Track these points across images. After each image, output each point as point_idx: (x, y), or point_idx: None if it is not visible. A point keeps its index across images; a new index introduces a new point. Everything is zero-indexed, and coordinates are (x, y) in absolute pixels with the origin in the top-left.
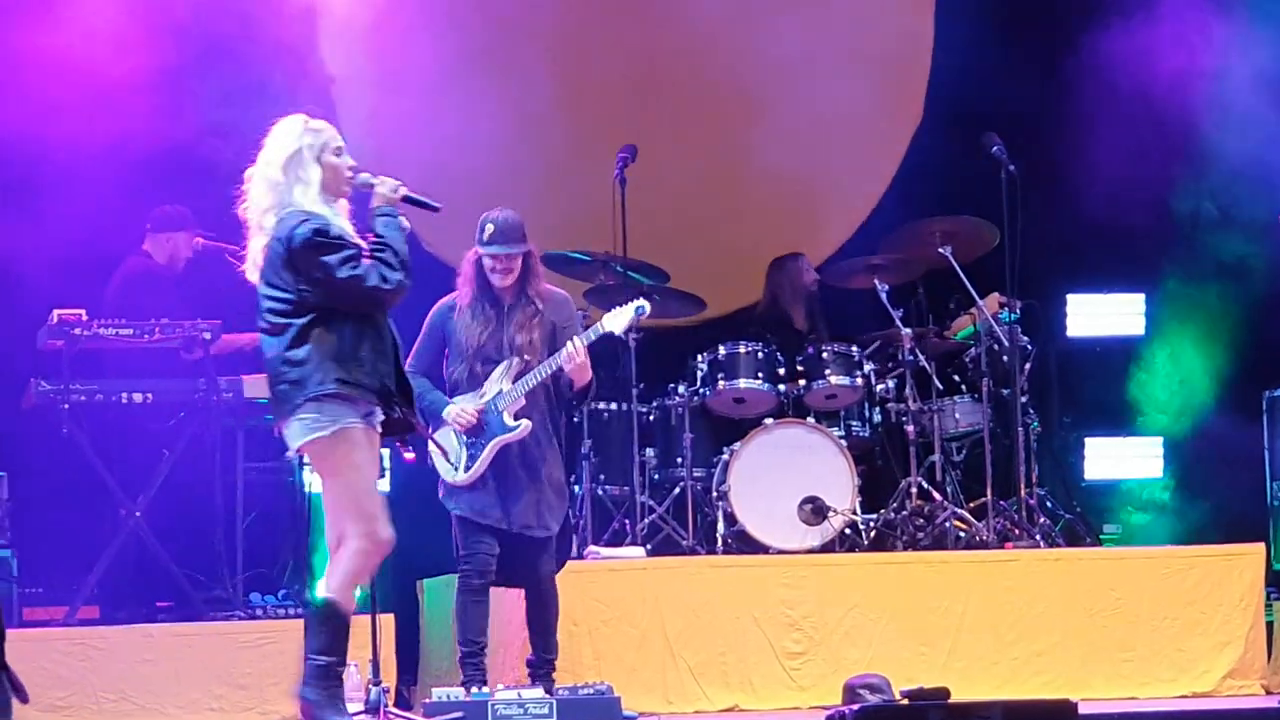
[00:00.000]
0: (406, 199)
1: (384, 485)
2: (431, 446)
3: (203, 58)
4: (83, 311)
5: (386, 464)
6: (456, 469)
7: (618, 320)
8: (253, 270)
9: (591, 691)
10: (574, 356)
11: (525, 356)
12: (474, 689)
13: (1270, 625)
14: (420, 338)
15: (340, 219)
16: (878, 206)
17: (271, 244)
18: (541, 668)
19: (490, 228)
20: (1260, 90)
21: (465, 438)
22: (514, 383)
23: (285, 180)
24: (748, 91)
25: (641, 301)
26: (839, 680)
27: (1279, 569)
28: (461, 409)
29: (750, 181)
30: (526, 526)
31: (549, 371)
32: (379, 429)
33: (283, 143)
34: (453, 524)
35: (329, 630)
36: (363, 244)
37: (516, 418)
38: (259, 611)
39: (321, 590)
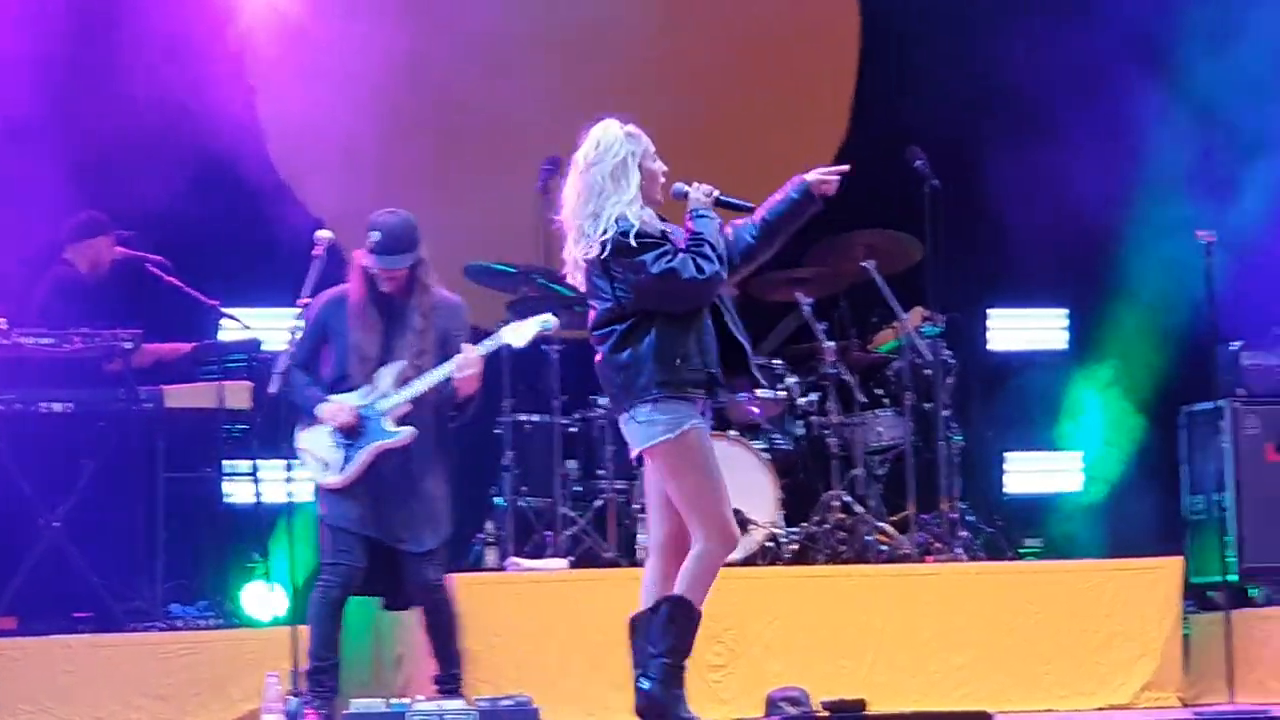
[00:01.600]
0: (719, 202)
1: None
2: (300, 445)
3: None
4: (3, 320)
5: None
6: (328, 469)
7: (520, 333)
8: (574, 273)
9: (513, 703)
10: (467, 365)
11: (413, 361)
12: (393, 700)
13: (1187, 638)
14: (304, 330)
15: (656, 222)
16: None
17: (589, 253)
18: (449, 684)
19: (375, 235)
20: (1182, 104)
21: (341, 438)
22: (400, 388)
23: (610, 186)
24: (672, 104)
25: (548, 317)
26: (760, 693)
27: (1196, 582)
28: (339, 406)
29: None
30: (399, 540)
31: (439, 379)
32: (712, 422)
33: (608, 149)
34: (320, 530)
35: (678, 630)
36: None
37: (400, 424)
38: (179, 623)
39: (675, 588)
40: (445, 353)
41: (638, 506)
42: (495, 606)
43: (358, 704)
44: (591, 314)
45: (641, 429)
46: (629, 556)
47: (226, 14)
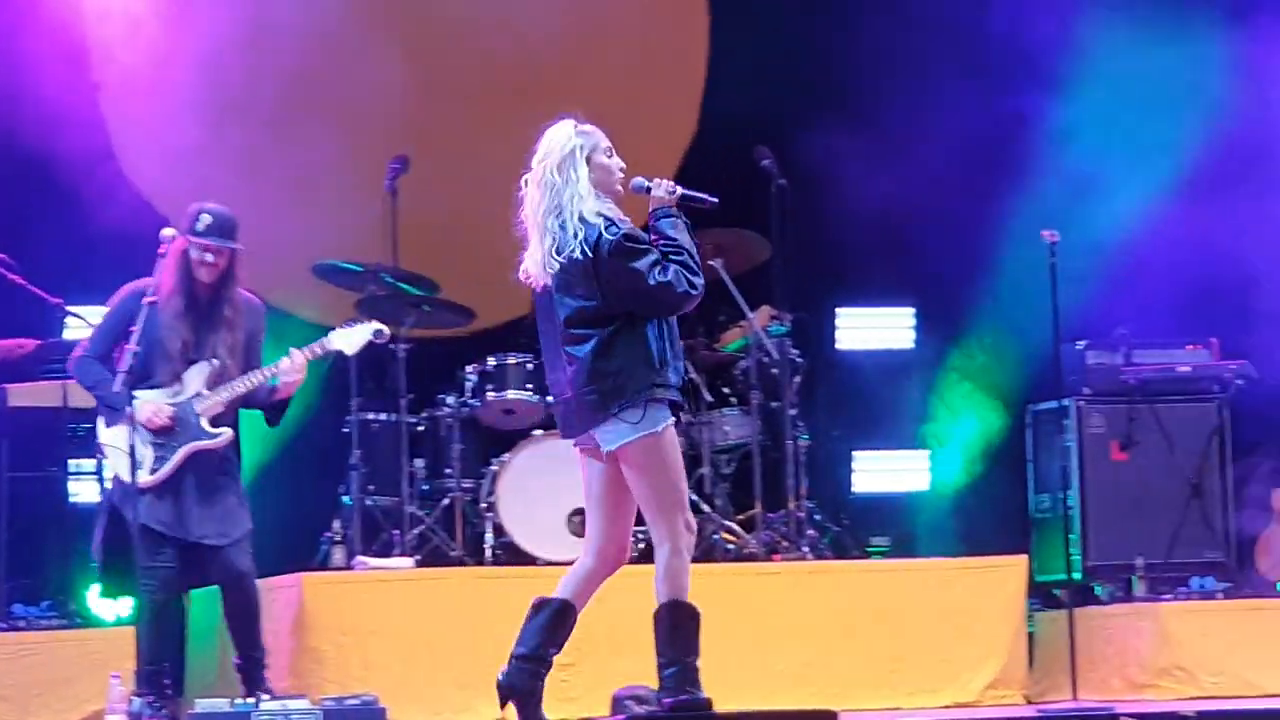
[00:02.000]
0: (683, 198)
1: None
2: (105, 440)
3: None
4: None
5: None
6: (140, 468)
7: (349, 339)
8: (538, 271)
9: (358, 702)
10: (293, 369)
11: (224, 361)
12: (237, 700)
13: (1032, 636)
14: (105, 320)
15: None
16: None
17: (572, 253)
18: (251, 669)
19: (207, 218)
20: (1036, 100)
21: (153, 436)
22: (212, 388)
23: (559, 180)
24: (521, 103)
25: (379, 326)
26: (607, 691)
27: (1041, 580)
28: (157, 407)
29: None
30: (204, 536)
31: (258, 380)
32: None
33: (557, 145)
34: (134, 533)
35: (685, 632)
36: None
37: (215, 425)
38: (21, 623)
39: (661, 595)
40: (248, 354)
41: (485, 505)
42: (342, 605)
43: (203, 704)
44: (569, 322)
45: (627, 428)
46: (476, 555)
47: (62, 5)
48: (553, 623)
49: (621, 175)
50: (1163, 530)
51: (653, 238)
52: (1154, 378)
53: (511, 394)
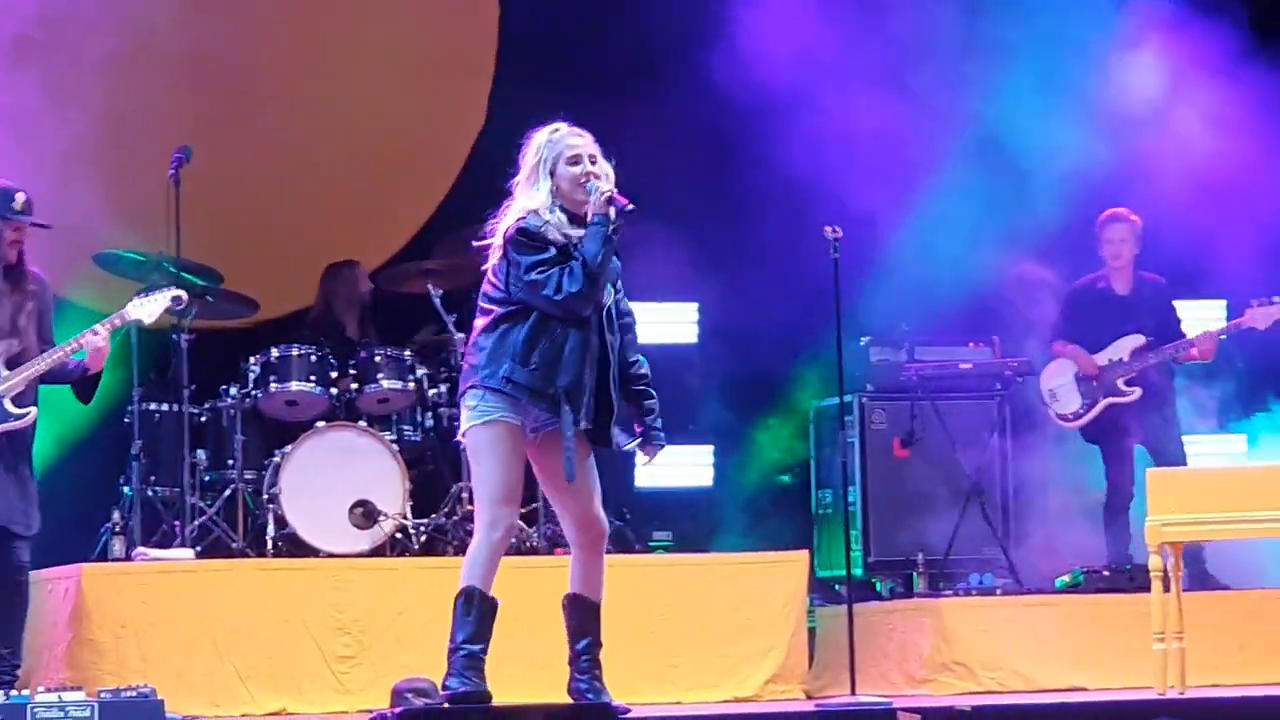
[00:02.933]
0: (610, 201)
1: None
2: None
3: None
4: None
5: None
6: None
7: (146, 308)
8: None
9: (135, 694)
10: (95, 343)
11: (20, 340)
12: (12, 691)
13: (812, 631)
14: None
15: (569, 228)
16: (438, 212)
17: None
18: (4, 672)
19: (22, 197)
20: (821, 89)
21: None
22: (12, 367)
23: (525, 186)
24: (307, 94)
25: (178, 292)
26: (388, 684)
27: (822, 576)
28: None
29: (307, 184)
30: (11, 521)
31: (58, 357)
32: (538, 434)
33: (530, 151)
34: None
35: (472, 619)
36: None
37: (18, 404)
38: None
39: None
40: (41, 330)
41: (267, 497)
42: (122, 596)
43: None
44: (480, 297)
45: (466, 414)
46: (257, 547)
47: None
48: (572, 618)
49: (583, 182)
50: (943, 527)
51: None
52: (936, 375)
53: (295, 385)
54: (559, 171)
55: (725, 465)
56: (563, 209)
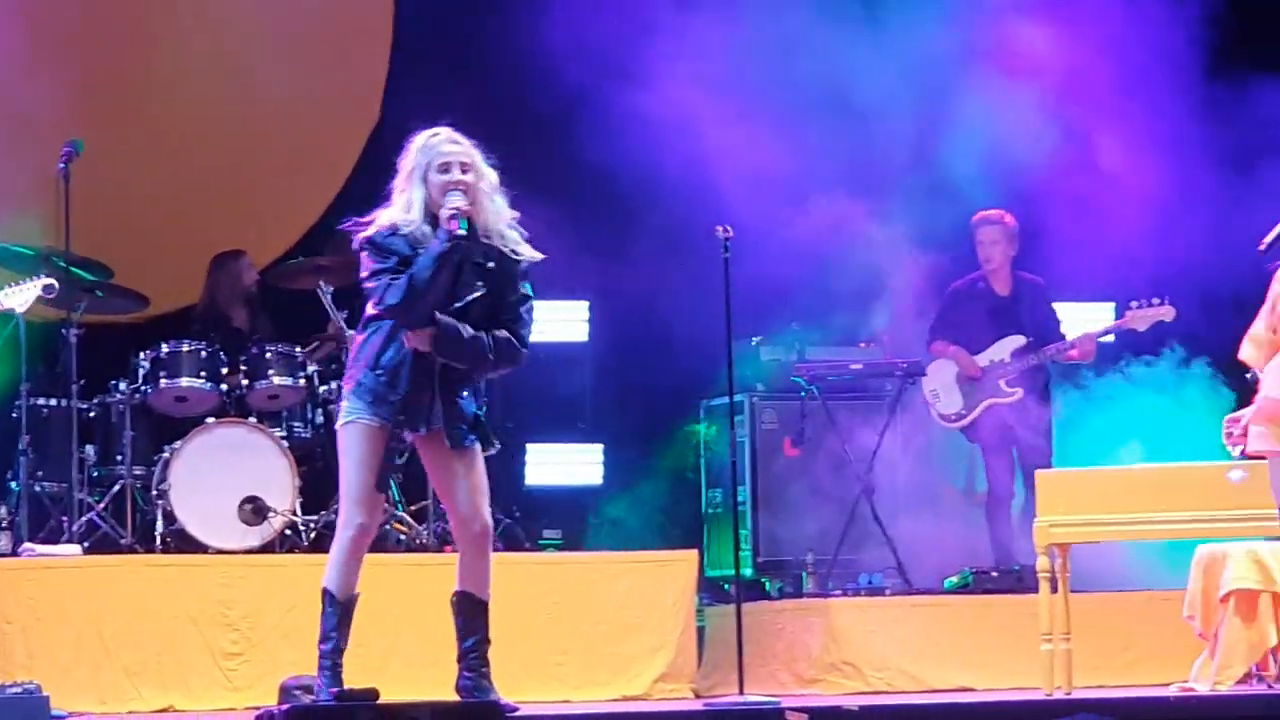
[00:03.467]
0: (453, 218)
1: None
2: None
3: None
4: None
5: None
6: None
7: (17, 297)
8: None
9: (20, 690)
10: None
11: None
12: None
13: (701, 630)
14: None
15: (411, 239)
16: (331, 208)
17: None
18: None
19: None
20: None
21: None
22: None
23: (396, 194)
24: (196, 88)
25: (49, 281)
26: (276, 681)
27: (712, 575)
28: None
29: (199, 180)
30: None
31: None
32: (399, 433)
33: (406, 158)
34: None
35: (327, 618)
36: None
37: None
38: None
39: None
40: None
41: (156, 493)
42: (8, 592)
43: None
44: None
45: (339, 414)
46: (146, 543)
47: None
48: (459, 615)
49: (448, 193)
50: (833, 527)
51: None
52: (826, 374)
53: (185, 381)
54: (430, 179)
55: (615, 464)
56: (436, 217)
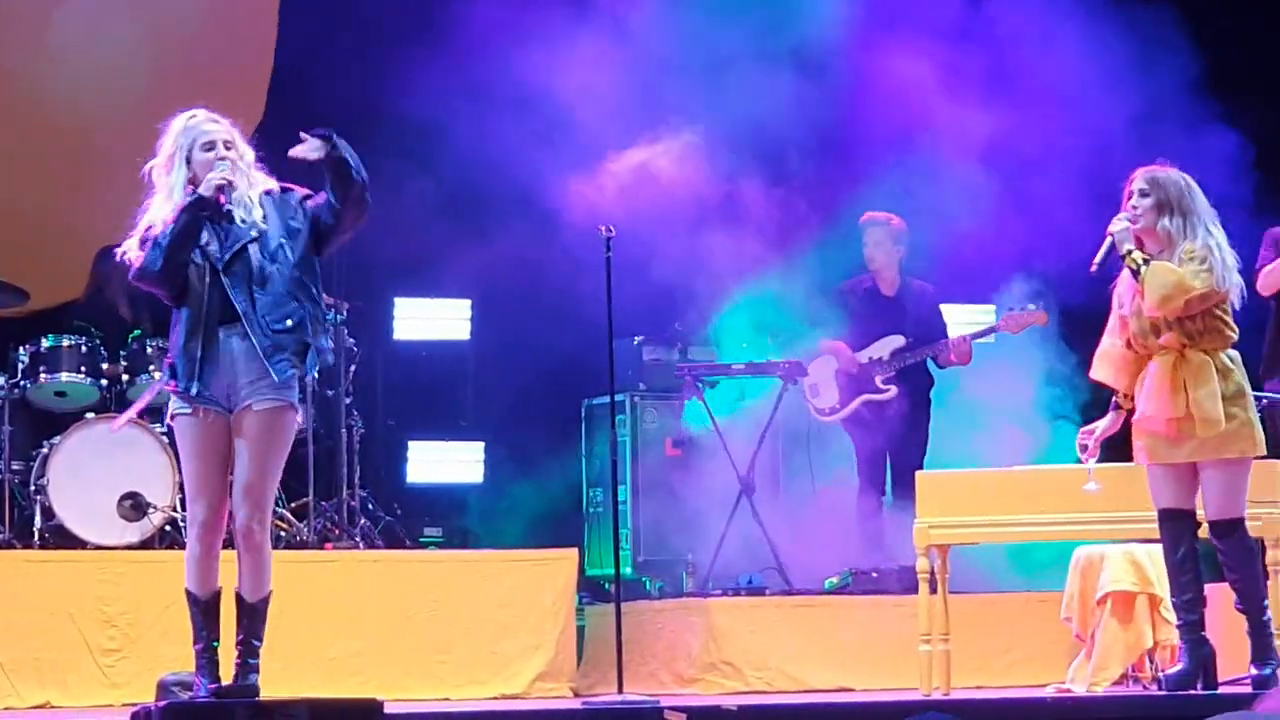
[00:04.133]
0: (220, 189)
1: None
2: None
3: None
4: None
5: None
6: None
7: None
8: None
9: None
10: None
11: None
12: None
13: (581, 629)
14: None
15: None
16: None
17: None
18: None
19: None
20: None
21: None
22: None
23: (159, 180)
24: (74, 78)
25: None
26: (154, 677)
27: (592, 575)
28: None
29: (80, 173)
30: None
31: None
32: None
33: (163, 143)
34: None
35: (190, 617)
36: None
37: None
38: None
39: None
40: None
41: (34, 488)
42: None
43: None
44: None
45: None
46: (24, 539)
47: None
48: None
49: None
50: (714, 527)
51: None
52: (709, 374)
53: (64, 376)
54: (195, 158)
55: (496, 462)
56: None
